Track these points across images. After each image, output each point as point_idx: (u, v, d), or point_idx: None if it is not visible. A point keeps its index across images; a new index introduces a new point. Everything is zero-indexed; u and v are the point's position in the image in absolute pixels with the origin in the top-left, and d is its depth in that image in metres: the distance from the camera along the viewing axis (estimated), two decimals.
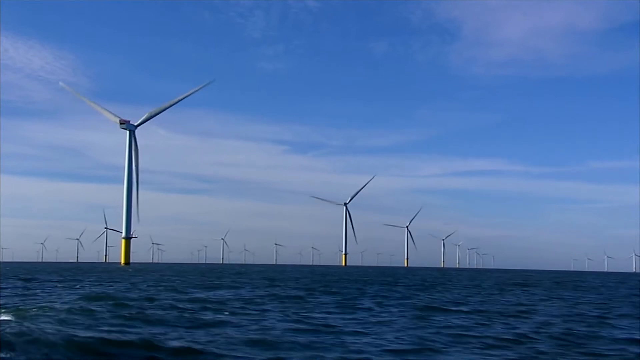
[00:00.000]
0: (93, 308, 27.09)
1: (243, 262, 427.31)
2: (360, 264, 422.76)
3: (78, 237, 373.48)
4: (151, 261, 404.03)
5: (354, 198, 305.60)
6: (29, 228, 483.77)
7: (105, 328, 20.87)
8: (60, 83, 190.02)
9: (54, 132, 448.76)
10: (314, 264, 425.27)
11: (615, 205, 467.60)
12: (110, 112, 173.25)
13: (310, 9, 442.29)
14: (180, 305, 30.95)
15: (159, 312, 26.99)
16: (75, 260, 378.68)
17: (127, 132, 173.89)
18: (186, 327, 22.12)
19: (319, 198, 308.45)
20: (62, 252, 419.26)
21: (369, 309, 31.94)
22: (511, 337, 20.51)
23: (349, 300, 37.98)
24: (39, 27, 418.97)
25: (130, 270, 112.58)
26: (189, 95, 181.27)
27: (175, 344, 17.72)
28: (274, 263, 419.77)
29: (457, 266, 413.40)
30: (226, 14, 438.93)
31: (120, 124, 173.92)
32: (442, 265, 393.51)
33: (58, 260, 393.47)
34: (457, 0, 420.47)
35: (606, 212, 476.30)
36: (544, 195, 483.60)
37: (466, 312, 30.96)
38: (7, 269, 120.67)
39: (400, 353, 17.33)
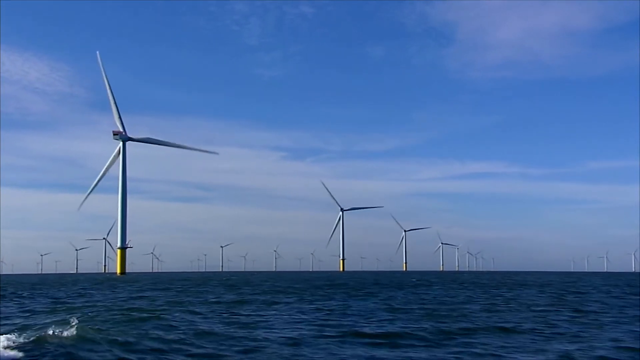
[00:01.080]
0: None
1: (243, 270, 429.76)
2: (360, 269, 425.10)
3: (77, 248, 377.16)
4: (151, 270, 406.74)
5: (354, 209, 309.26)
6: (28, 240, 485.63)
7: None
8: (97, 53, 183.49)
9: (52, 143, 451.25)
10: (313, 270, 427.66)
11: (615, 206, 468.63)
12: (119, 116, 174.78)
13: (306, 15, 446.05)
14: (142, 307, 33.96)
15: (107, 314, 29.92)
16: (75, 271, 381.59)
17: (121, 142, 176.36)
18: (126, 324, 25.15)
19: (326, 188, 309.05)
20: (62, 263, 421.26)
21: (317, 309, 34.95)
22: (394, 331, 23.49)
23: (299, 303, 41.08)
24: (34, 39, 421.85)
25: (114, 281, 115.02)
26: (191, 149, 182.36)
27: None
28: (274, 270, 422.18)
29: (457, 269, 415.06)
30: (222, 21, 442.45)
31: (114, 134, 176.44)
32: (441, 269, 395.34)
33: (58, 272, 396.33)
34: (452, 2, 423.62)
35: (605, 212, 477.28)
36: (542, 196, 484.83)
37: (395, 309, 34.11)
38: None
39: (285, 340, 20.48)
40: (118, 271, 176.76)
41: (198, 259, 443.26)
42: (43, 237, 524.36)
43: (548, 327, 25.01)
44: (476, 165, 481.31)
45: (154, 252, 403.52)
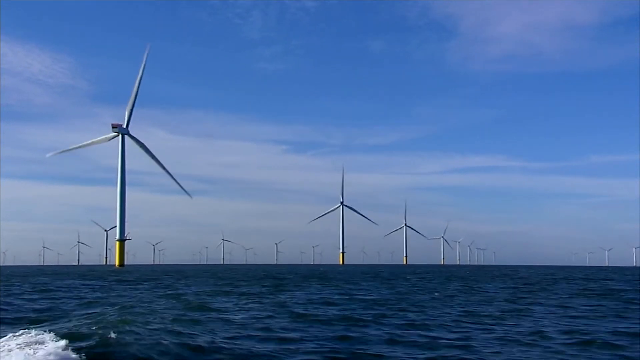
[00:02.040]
0: None
1: (245, 263, 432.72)
2: (362, 263, 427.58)
3: (78, 241, 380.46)
4: (152, 263, 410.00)
5: (353, 210, 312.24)
6: (29, 232, 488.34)
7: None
8: (148, 45, 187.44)
9: (54, 135, 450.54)
10: (315, 263, 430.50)
11: (616, 200, 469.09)
12: (131, 109, 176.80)
13: (308, 8, 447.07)
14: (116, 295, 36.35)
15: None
16: (77, 263, 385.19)
17: (120, 135, 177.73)
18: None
19: (342, 175, 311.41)
20: (64, 255, 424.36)
21: (282, 296, 37.26)
22: (340, 315, 25.71)
23: (269, 292, 43.40)
24: (37, 31, 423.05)
25: (107, 272, 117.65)
26: (174, 179, 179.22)
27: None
28: (275, 263, 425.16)
29: (458, 263, 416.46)
30: (224, 15, 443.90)
31: (113, 127, 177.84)
32: (442, 263, 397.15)
33: (60, 264, 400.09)
34: None
35: (607, 206, 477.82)
36: (544, 190, 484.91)
37: (353, 298, 36.60)
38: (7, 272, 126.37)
39: (228, 320, 23.03)
40: (117, 263, 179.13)
41: (199, 252, 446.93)
42: (44, 229, 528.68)
43: (470, 314, 27.13)
44: (477, 159, 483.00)
45: (155, 245, 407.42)
